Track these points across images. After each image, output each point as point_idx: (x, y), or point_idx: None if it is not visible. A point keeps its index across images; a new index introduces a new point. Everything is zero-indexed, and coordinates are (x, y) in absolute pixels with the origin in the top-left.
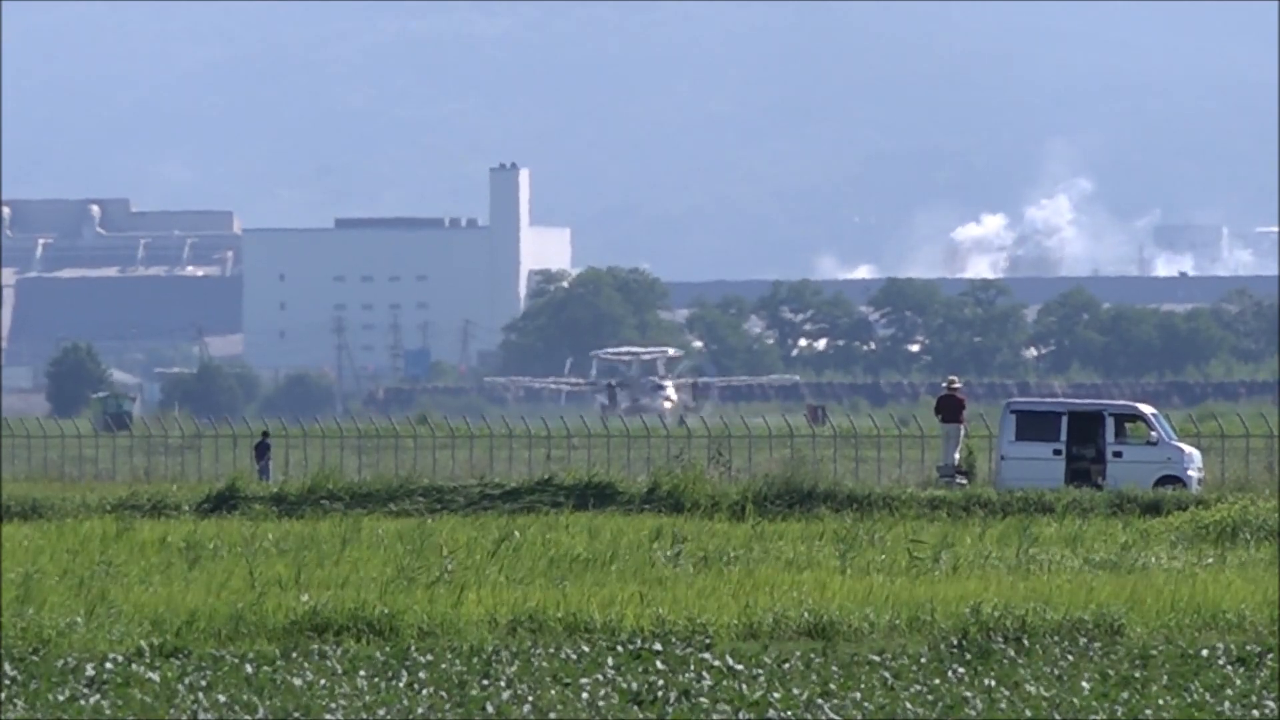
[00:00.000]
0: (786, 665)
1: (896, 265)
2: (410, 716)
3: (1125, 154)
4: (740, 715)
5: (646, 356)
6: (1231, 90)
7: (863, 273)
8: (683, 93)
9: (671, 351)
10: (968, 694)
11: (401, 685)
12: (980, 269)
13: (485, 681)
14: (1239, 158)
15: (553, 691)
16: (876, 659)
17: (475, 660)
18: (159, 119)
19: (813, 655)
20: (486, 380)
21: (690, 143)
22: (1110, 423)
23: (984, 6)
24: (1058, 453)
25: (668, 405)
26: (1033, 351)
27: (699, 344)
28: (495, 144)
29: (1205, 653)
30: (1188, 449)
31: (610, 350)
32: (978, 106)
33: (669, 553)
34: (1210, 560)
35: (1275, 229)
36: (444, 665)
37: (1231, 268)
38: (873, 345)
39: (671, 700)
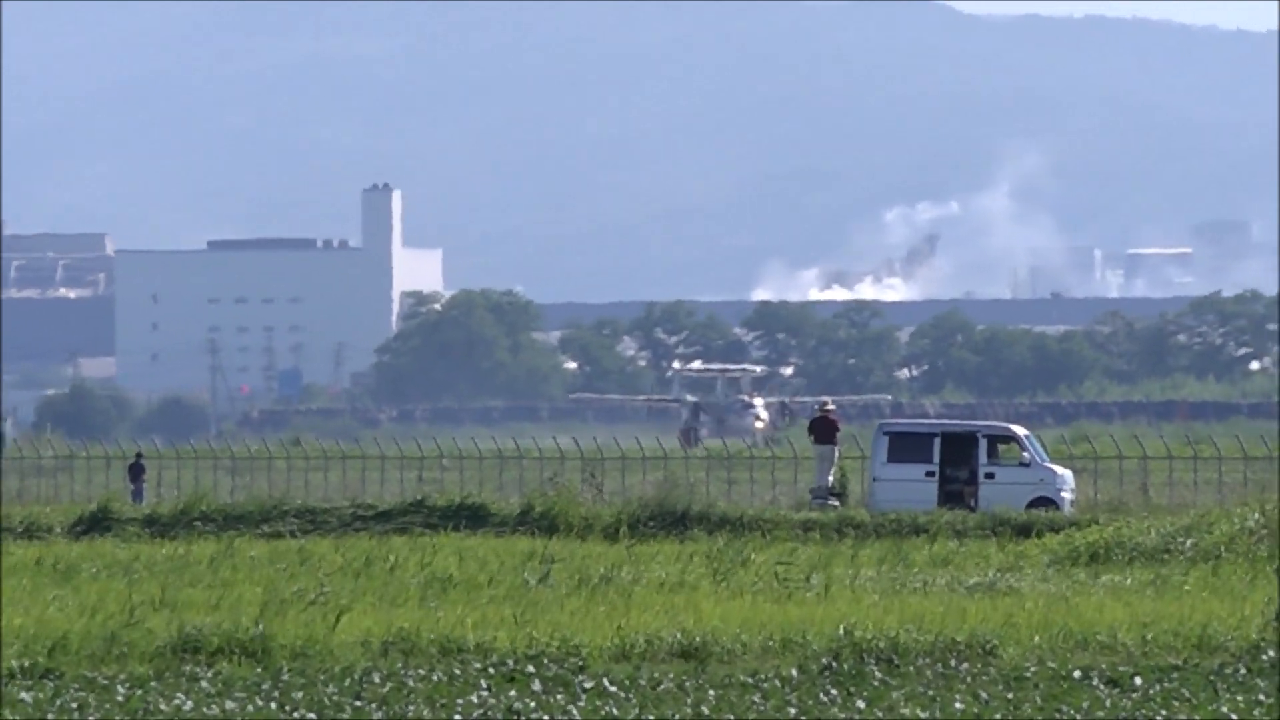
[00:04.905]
0: (660, 687)
1: (846, 271)
2: None
3: (1020, 176)
4: None
5: (732, 374)
6: (1124, 109)
7: (813, 275)
8: (561, 115)
9: (758, 370)
10: (840, 715)
11: (274, 707)
12: (930, 285)
13: (358, 703)
14: (1139, 178)
15: (425, 713)
16: (749, 680)
17: (348, 682)
18: (35, 142)
19: (685, 677)
20: (572, 397)
21: (569, 165)
22: (983, 444)
23: (864, 31)
24: (930, 474)
25: (759, 425)
26: (906, 372)
27: (572, 365)
28: (373, 166)
29: (1078, 674)
30: (1060, 470)
31: (694, 366)
32: (856, 128)
33: (536, 575)
34: (1083, 582)
35: (1150, 251)
36: (317, 687)
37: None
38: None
39: None
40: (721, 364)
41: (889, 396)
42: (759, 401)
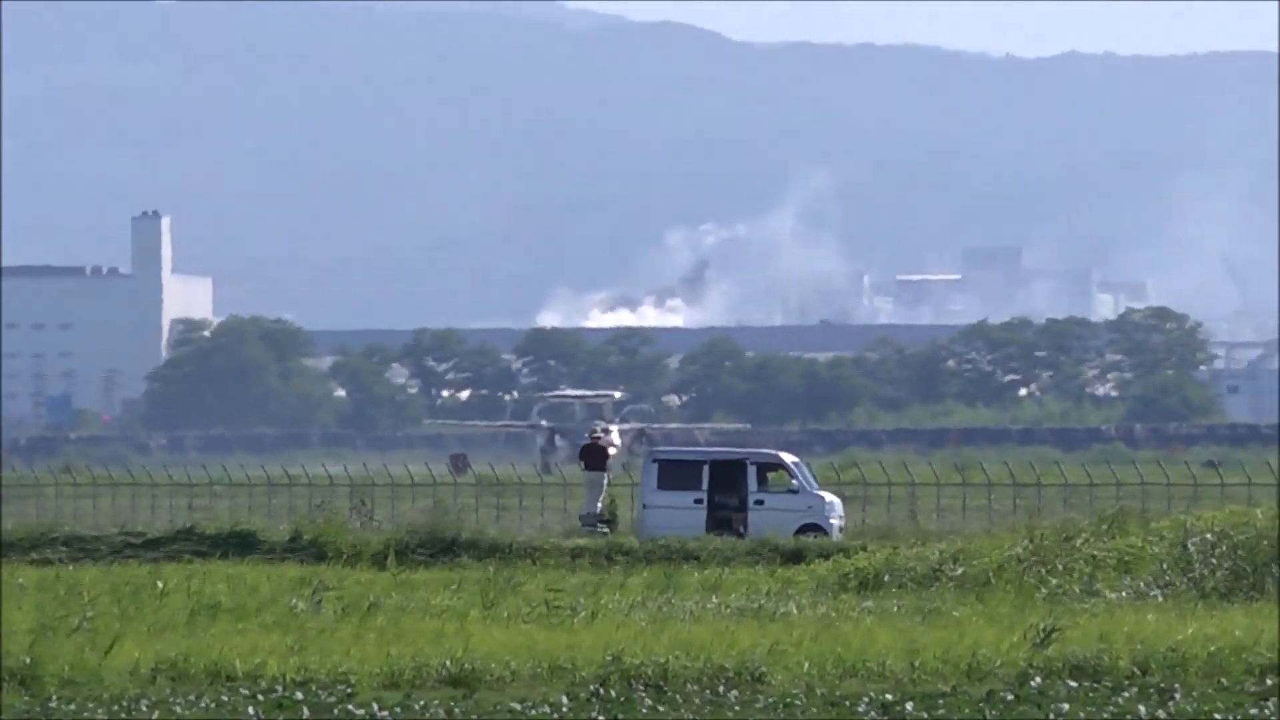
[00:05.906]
0: (429, 714)
1: (630, 296)
2: None
3: (801, 201)
4: None
5: (591, 400)
6: (900, 135)
7: (596, 301)
8: (332, 141)
9: (617, 395)
10: None
11: None
12: (711, 311)
13: None
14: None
15: None
16: (518, 707)
17: (116, 709)
18: None
19: (454, 704)
20: (428, 421)
21: (341, 191)
22: (752, 471)
23: (637, 57)
24: (699, 501)
25: (613, 451)
26: (675, 399)
27: (341, 393)
28: (141, 193)
29: (847, 701)
30: (829, 497)
31: (553, 393)
32: (635, 154)
33: (308, 601)
34: (852, 609)
35: (917, 277)
36: (85, 715)
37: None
38: (516, 394)
39: None
40: (580, 390)
41: (716, 430)
42: (614, 428)
